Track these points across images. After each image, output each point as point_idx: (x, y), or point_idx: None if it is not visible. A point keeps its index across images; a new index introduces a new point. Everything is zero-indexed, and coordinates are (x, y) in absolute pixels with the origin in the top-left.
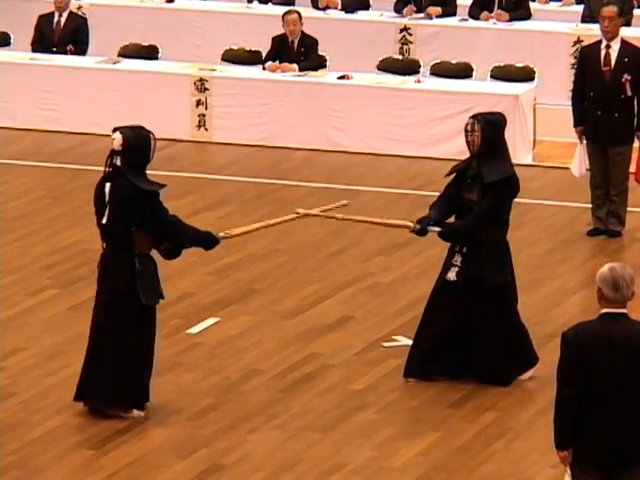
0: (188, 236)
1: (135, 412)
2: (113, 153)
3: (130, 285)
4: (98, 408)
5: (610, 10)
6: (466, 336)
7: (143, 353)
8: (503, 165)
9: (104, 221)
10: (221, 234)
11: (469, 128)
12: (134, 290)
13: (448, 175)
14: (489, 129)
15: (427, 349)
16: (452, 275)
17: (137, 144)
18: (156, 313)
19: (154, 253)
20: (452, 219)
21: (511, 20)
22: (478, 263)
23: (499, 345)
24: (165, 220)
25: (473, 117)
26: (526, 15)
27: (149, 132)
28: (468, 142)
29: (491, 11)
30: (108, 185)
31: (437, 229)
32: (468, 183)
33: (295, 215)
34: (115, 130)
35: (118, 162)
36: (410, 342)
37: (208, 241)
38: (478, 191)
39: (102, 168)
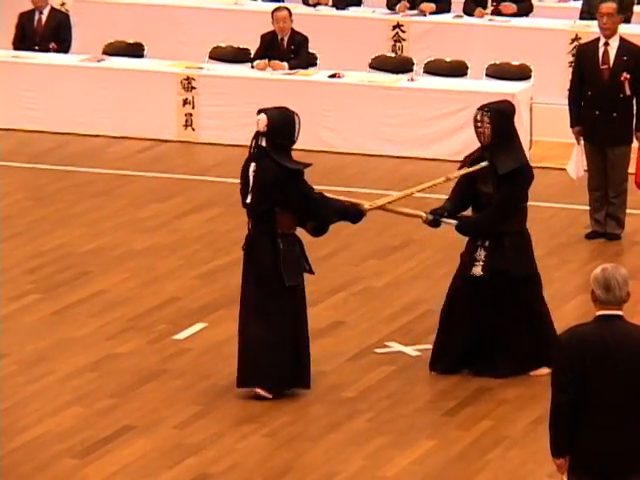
0: (334, 211)
1: (263, 392)
2: (258, 134)
3: (274, 266)
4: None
5: (609, 6)
6: (493, 331)
7: (292, 335)
8: (516, 155)
9: (248, 201)
10: (366, 205)
11: (478, 119)
12: (279, 271)
13: (460, 168)
14: (498, 119)
15: (455, 346)
16: (478, 270)
17: (282, 125)
18: (305, 293)
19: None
20: (469, 211)
21: (517, 12)
22: (503, 255)
23: (528, 337)
24: (310, 198)
25: (481, 108)
26: (528, 8)
27: (293, 112)
28: (478, 134)
29: (485, 7)
30: (253, 165)
31: (452, 222)
32: (482, 175)
33: (444, 179)
34: (260, 112)
35: (263, 143)
36: (403, 349)
37: (355, 214)
38: (492, 183)
39: (86, 169)
